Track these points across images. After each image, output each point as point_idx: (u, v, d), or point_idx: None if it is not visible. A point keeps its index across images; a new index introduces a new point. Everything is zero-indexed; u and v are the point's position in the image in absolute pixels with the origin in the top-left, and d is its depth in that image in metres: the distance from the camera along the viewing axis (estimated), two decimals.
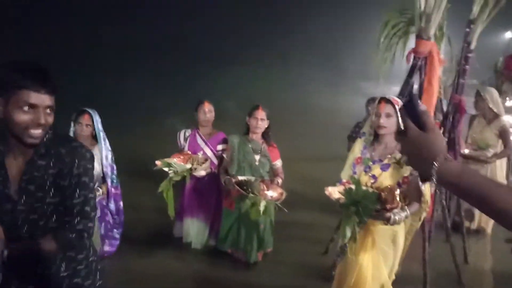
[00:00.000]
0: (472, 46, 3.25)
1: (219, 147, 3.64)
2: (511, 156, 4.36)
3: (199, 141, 3.67)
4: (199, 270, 3.52)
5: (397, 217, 2.20)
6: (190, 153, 3.53)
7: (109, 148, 3.33)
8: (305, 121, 11.74)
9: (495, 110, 4.12)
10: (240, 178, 3.23)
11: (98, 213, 3.36)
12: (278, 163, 3.53)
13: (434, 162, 0.90)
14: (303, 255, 3.76)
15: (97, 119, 3.22)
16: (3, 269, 1.39)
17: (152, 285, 3.30)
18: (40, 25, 13.50)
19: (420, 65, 2.97)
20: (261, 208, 2.97)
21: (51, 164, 1.49)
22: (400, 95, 3.05)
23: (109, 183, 3.34)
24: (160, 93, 12.96)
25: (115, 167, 3.39)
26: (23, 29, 13.52)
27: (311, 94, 15.36)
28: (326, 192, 2.43)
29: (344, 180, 2.59)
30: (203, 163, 3.42)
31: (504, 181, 4.34)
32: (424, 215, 2.53)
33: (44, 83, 1.38)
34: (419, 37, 2.92)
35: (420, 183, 2.26)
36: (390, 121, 2.39)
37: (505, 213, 0.83)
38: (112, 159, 3.36)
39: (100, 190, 3.25)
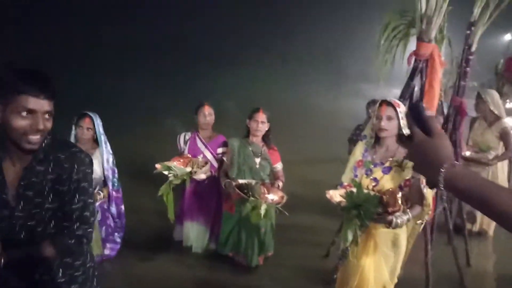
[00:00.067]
0: (473, 48, 3.25)
1: (219, 150, 3.62)
2: None
3: (199, 144, 3.65)
4: (199, 274, 3.50)
5: (399, 221, 2.18)
6: (190, 156, 3.52)
7: (110, 151, 3.33)
8: (306, 123, 11.73)
9: (496, 112, 4.11)
10: (241, 181, 3.22)
11: (99, 216, 3.36)
12: (279, 166, 3.51)
13: (441, 169, 0.89)
14: (304, 258, 3.74)
15: (98, 122, 3.22)
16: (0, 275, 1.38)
17: None
18: (40, 25, 13.51)
19: (421, 67, 2.96)
20: (262, 211, 2.95)
21: (50, 170, 1.48)
22: (401, 97, 3.04)
23: (110, 187, 3.33)
24: (160, 93, 12.97)
25: (116, 171, 3.38)
26: (23, 30, 13.53)
27: (311, 96, 15.36)
28: (327, 196, 2.42)
29: (345, 184, 2.58)
30: (203, 166, 3.41)
31: (506, 184, 4.33)
32: (426, 218, 2.51)
33: (43, 88, 1.37)
34: (420, 39, 2.91)
35: (422, 185, 2.26)
36: (391, 124, 2.38)
37: (507, 216, 0.83)
38: (113, 162, 3.35)
39: (101, 194, 3.24)
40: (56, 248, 1.48)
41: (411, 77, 3.02)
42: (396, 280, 2.54)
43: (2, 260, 1.35)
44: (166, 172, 3.29)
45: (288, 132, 8.50)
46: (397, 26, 3.63)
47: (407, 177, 2.36)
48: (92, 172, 1.59)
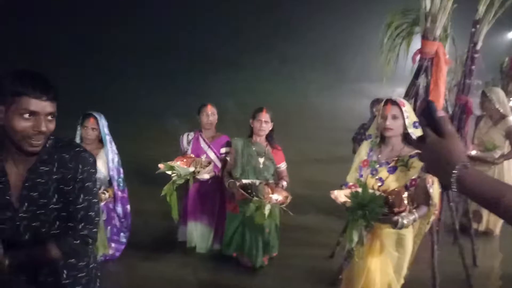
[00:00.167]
0: (478, 47, 3.22)
1: (223, 150, 3.61)
2: None
3: (202, 144, 3.64)
4: (203, 275, 3.49)
5: (405, 221, 2.16)
6: (193, 156, 3.51)
7: (116, 151, 3.33)
8: (309, 123, 11.73)
9: (501, 110, 4.07)
10: (244, 181, 3.21)
11: (105, 216, 3.37)
12: (283, 165, 3.50)
13: (453, 170, 0.88)
14: (309, 259, 3.72)
15: (103, 123, 3.22)
16: (4, 276, 1.37)
17: None
18: (42, 27, 13.56)
19: (426, 66, 2.93)
20: (266, 212, 2.93)
21: (55, 170, 1.48)
22: (406, 96, 3.02)
23: (116, 187, 3.33)
24: (161, 94, 12.99)
25: (121, 171, 3.38)
26: (25, 32, 13.59)
27: (313, 96, 15.34)
28: (332, 196, 2.39)
29: (350, 184, 2.55)
30: (206, 166, 3.40)
31: None
32: (432, 218, 2.48)
33: (44, 90, 1.36)
34: (425, 37, 2.89)
35: (428, 185, 2.24)
36: (397, 123, 2.35)
37: None
38: (118, 162, 3.35)
39: (106, 194, 3.24)
40: (61, 249, 1.48)
41: (416, 76, 3.00)
42: (402, 281, 2.51)
43: (7, 262, 1.35)
44: (169, 172, 3.28)
45: (292, 132, 8.50)
46: (400, 25, 3.61)
47: (413, 177, 2.33)
48: (96, 172, 1.59)
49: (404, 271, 2.49)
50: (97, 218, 1.58)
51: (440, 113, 0.94)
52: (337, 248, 3.63)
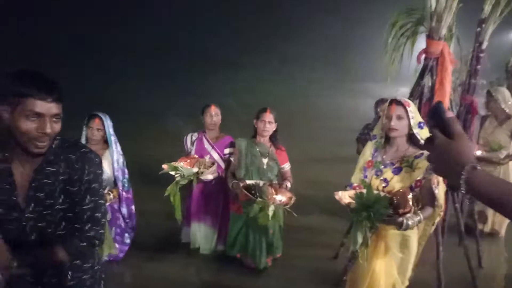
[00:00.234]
0: (484, 46, 3.19)
1: (226, 150, 3.59)
2: None
3: (206, 144, 3.63)
4: (207, 276, 3.48)
5: (410, 222, 2.13)
6: (197, 157, 3.50)
7: (121, 152, 3.33)
8: (312, 123, 11.71)
9: (507, 110, 4.04)
10: (248, 182, 3.19)
11: (109, 216, 3.37)
12: (287, 166, 3.48)
13: (462, 171, 0.87)
14: (313, 260, 3.71)
15: (108, 123, 3.22)
16: (9, 277, 1.36)
17: None
18: (42, 28, 13.60)
19: (431, 65, 2.90)
20: (270, 213, 2.92)
21: (61, 171, 1.48)
22: (411, 96, 2.99)
23: (120, 187, 3.33)
24: (162, 95, 13.00)
25: (126, 171, 3.38)
26: (27, 33, 13.64)
27: (317, 96, 15.32)
28: (336, 197, 2.37)
29: (354, 184, 2.53)
30: (210, 167, 3.39)
31: None
32: (438, 219, 2.46)
33: (49, 91, 1.35)
34: (430, 37, 2.86)
35: (434, 186, 2.22)
36: (402, 123, 2.33)
37: None
38: (123, 163, 3.35)
39: (111, 194, 3.24)
40: (68, 252, 1.48)
41: (421, 76, 2.97)
42: (407, 283, 2.49)
43: (15, 265, 1.34)
44: (172, 173, 3.28)
45: (294, 132, 8.47)
46: (404, 24, 3.59)
47: (418, 178, 2.31)
48: (102, 173, 1.59)
49: (409, 272, 2.47)
50: (103, 219, 1.58)
51: (449, 114, 0.93)
52: (341, 249, 3.61)
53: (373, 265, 2.40)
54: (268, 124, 3.31)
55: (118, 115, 3.47)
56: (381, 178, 2.40)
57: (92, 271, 1.65)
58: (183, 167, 3.29)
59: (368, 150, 2.54)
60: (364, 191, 2.24)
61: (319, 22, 15.57)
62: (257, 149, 3.37)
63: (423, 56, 2.97)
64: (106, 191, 3.21)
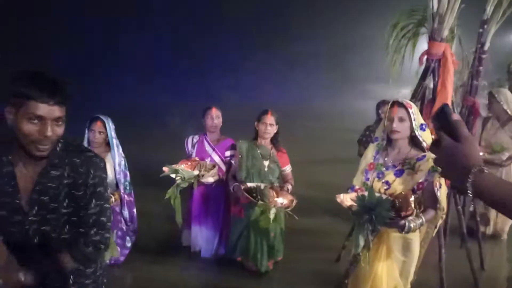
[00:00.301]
0: (486, 47, 3.18)
1: (227, 153, 3.58)
2: None
3: (207, 147, 3.62)
4: (208, 279, 3.46)
5: (412, 225, 2.12)
6: (197, 159, 3.49)
7: (123, 155, 3.32)
8: (313, 124, 11.70)
9: (509, 112, 4.01)
10: (249, 184, 3.17)
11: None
12: (288, 168, 3.47)
13: (469, 175, 0.87)
14: (314, 263, 3.68)
15: (110, 126, 3.21)
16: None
17: None
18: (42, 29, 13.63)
19: (433, 67, 2.89)
20: (271, 216, 2.90)
21: (66, 175, 1.47)
22: (413, 98, 2.98)
23: (122, 190, 3.31)
24: (162, 97, 13.00)
25: (128, 174, 3.37)
26: (30, 37, 13.67)
27: (318, 98, 15.31)
28: (338, 200, 2.36)
29: (356, 187, 2.52)
30: (210, 169, 3.37)
31: None
32: (440, 222, 2.44)
33: (52, 94, 1.33)
34: (432, 38, 2.85)
35: (436, 189, 2.20)
36: (404, 125, 2.32)
37: None
38: (125, 166, 3.34)
39: (113, 197, 3.23)
40: (74, 257, 1.48)
41: (423, 77, 2.96)
42: (409, 286, 2.47)
43: (23, 278, 1.34)
44: (173, 175, 3.26)
45: (295, 134, 8.46)
46: (405, 26, 3.59)
47: (420, 180, 2.30)
48: (107, 177, 1.59)
49: (411, 276, 2.46)
50: (108, 223, 1.57)
51: (455, 116, 0.92)
52: (343, 251, 3.59)
53: (375, 268, 2.39)
54: (269, 126, 3.29)
55: (117, 117, 3.45)
56: (383, 180, 2.38)
57: (94, 276, 1.65)
58: (184, 170, 3.27)
59: (370, 152, 2.53)
60: (366, 193, 2.23)
61: (320, 23, 15.56)
62: (258, 152, 3.35)
63: (425, 57, 2.95)
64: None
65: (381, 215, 2.10)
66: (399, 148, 2.40)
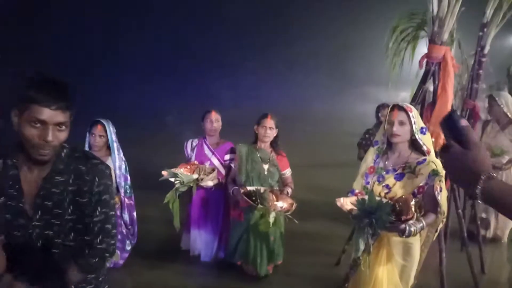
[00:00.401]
0: (486, 50, 3.18)
1: (227, 157, 3.57)
2: None
3: (206, 151, 3.61)
4: (208, 283, 3.45)
5: (412, 229, 2.11)
6: (197, 163, 3.47)
7: (123, 159, 3.33)
8: (313, 128, 11.69)
9: (509, 115, 4.01)
10: (249, 188, 3.16)
11: None
12: (288, 172, 3.45)
13: (478, 181, 0.88)
14: (314, 267, 3.67)
15: (110, 130, 3.21)
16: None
17: None
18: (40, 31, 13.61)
19: (433, 70, 2.88)
20: (271, 219, 2.89)
21: (71, 181, 1.46)
22: (413, 101, 2.97)
23: (122, 194, 3.31)
24: (162, 99, 12.99)
25: (128, 178, 3.37)
26: (30, 37, 13.66)
27: (317, 101, 15.32)
28: (338, 204, 2.35)
29: (356, 191, 2.51)
30: (210, 173, 3.36)
31: None
32: (440, 226, 2.43)
33: (54, 99, 1.31)
34: (432, 41, 2.84)
35: (436, 192, 2.19)
36: (404, 129, 2.31)
37: None
38: (125, 169, 3.34)
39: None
40: (80, 269, 1.49)
41: (423, 80, 2.95)
42: None
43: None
44: (172, 179, 3.25)
45: (295, 137, 8.45)
46: (405, 29, 3.58)
47: (421, 184, 2.29)
48: (112, 184, 1.58)
49: (411, 280, 2.45)
50: (114, 231, 1.57)
51: (463, 122, 0.91)
52: (343, 255, 3.57)
53: (375, 272, 2.38)
54: (269, 130, 3.28)
55: (116, 120, 3.45)
56: (383, 184, 2.37)
57: (96, 282, 1.64)
58: (183, 174, 3.26)
59: (370, 156, 2.52)
60: (366, 197, 2.22)
61: (320, 23, 15.58)
62: (258, 155, 3.34)
63: (425, 60, 2.95)
64: None
65: (382, 219, 2.09)
66: (400, 152, 2.39)
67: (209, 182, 3.32)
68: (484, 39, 3.16)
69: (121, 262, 3.53)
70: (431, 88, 2.99)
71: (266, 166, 3.34)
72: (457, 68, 2.89)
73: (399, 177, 2.35)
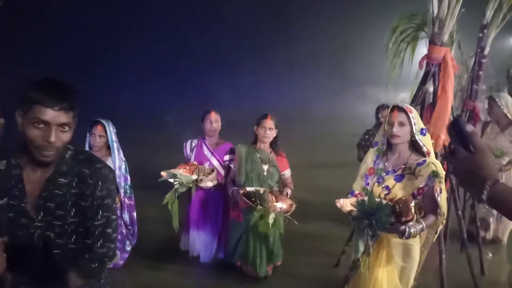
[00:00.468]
0: (486, 52, 3.17)
1: (226, 157, 3.56)
2: None
3: (206, 151, 3.60)
4: (207, 284, 3.44)
5: (412, 230, 2.11)
6: (196, 163, 3.47)
7: (123, 159, 3.32)
8: (313, 128, 11.69)
9: (509, 116, 4.01)
10: (248, 189, 3.16)
11: None
12: (287, 173, 3.45)
13: (485, 186, 0.89)
14: (314, 268, 3.66)
15: (111, 130, 3.21)
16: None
17: None
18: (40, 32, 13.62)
19: (433, 71, 2.88)
20: (270, 220, 2.88)
21: (74, 184, 1.46)
22: (413, 102, 2.97)
23: (122, 194, 3.31)
24: (162, 100, 12.99)
25: (128, 178, 3.36)
26: (31, 37, 13.67)
27: (317, 101, 15.32)
28: (338, 205, 2.35)
29: (356, 192, 2.50)
30: (209, 174, 3.36)
31: None
32: (440, 227, 2.43)
33: (57, 99, 1.31)
34: (432, 42, 2.84)
35: (436, 194, 2.19)
36: (404, 130, 2.31)
37: None
38: (125, 169, 3.34)
39: None
40: (81, 275, 1.50)
41: (423, 81, 2.94)
42: None
43: None
44: (171, 180, 3.25)
45: (294, 137, 8.45)
46: (405, 30, 3.58)
47: (420, 185, 2.29)
48: (115, 188, 1.58)
49: (411, 281, 2.44)
50: (114, 235, 1.57)
51: (469, 127, 0.92)
52: (343, 256, 3.57)
53: (375, 274, 2.37)
54: (269, 130, 3.28)
55: (119, 118, 3.45)
56: (383, 185, 2.37)
57: (98, 285, 1.64)
58: (182, 174, 3.26)
59: (370, 157, 2.52)
60: (366, 198, 2.22)
61: (320, 23, 15.59)
62: (258, 156, 3.33)
63: (425, 61, 2.94)
64: None
65: (381, 220, 2.09)
66: (399, 153, 2.39)
67: (209, 183, 3.32)
68: (484, 40, 3.16)
69: (121, 262, 3.52)
70: (431, 89, 2.99)
71: (265, 167, 3.33)
72: (457, 69, 2.89)
73: (399, 178, 2.34)
